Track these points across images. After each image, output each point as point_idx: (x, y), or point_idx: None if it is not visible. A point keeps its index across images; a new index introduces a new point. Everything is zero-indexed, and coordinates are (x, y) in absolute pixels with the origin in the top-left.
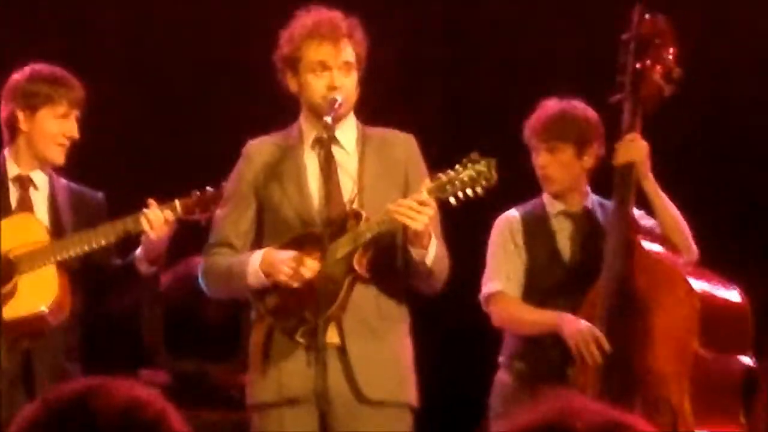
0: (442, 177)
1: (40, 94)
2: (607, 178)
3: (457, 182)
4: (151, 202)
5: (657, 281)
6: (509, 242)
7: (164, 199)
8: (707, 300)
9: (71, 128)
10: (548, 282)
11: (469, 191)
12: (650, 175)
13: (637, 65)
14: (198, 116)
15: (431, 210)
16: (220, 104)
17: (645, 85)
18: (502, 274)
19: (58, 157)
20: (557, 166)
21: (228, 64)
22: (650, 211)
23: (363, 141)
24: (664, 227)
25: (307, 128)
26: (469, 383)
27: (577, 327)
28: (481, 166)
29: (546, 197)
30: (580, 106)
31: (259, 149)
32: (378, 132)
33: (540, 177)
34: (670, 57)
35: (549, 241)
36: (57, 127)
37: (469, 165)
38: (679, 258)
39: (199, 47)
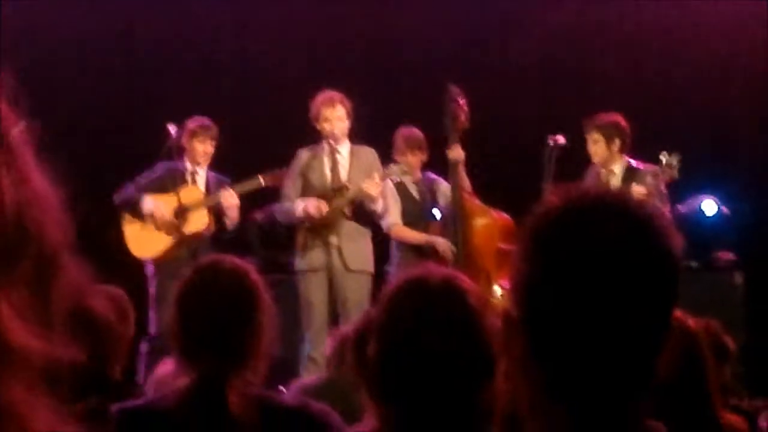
0: (385, 170)
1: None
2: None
3: (390, 172)
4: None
5: (477, 213)
6: (395, 196)
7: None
8: (501, 221)
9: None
10: (412, 216)
11: (396, 179)
12: (462, 166)
13: (453, 111)
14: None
15: (380, 186)
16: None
17: (457, 121)
18: (396, 213)
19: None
20: (417, 162)
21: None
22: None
23: (351, 152)
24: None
25: (325, 145)
26: None
27: (441, 242)
28: (400, 168)
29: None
30: (417, 131)
31: (303, 152)
32: (358, 147)
33: (407, 167)
34: (466, 108)
35: (410, 195)
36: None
37: (396, 166)
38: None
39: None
